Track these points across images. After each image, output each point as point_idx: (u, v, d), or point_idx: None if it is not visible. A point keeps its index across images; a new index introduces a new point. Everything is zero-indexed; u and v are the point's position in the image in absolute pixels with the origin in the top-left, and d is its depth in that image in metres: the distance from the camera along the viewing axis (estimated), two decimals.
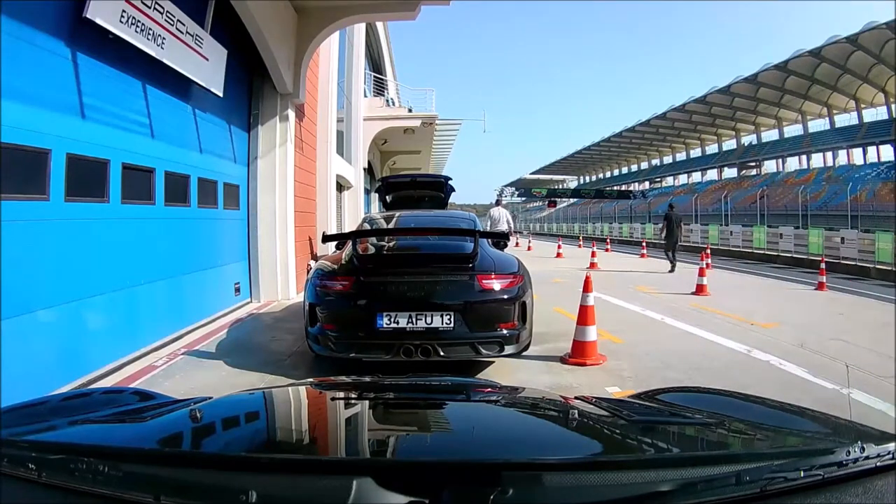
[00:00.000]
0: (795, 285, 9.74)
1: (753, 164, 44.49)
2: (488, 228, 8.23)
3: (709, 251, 12.32)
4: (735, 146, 46.78)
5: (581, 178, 74.43)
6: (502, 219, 10.05)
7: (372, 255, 4.20)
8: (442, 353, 3.54)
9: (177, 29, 4.56)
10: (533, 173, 76.18)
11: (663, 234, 11.80)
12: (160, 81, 4.65)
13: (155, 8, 4.20)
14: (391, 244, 4.54)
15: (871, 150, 34.52)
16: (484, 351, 3.66)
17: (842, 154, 36.88)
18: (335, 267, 3.98)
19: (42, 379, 3.17)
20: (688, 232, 22.78)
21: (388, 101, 15.49)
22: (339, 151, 11.25)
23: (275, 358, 4.37)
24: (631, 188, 53.42)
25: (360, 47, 13.31)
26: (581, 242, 22.52)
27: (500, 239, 4.85)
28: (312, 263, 7.03)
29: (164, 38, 4.35)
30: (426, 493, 0.63)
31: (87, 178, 3.73)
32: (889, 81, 30.47)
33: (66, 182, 3.44)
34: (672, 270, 11.00)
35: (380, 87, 16.11)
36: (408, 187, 7.77)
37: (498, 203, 11.16)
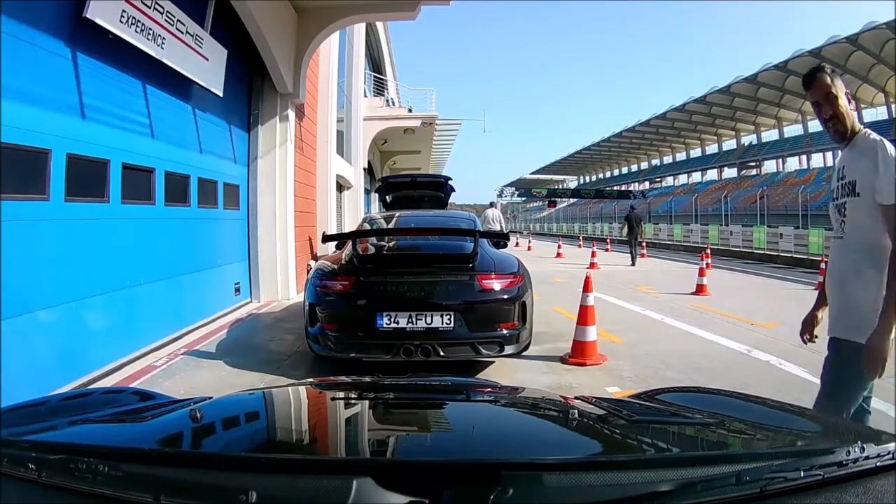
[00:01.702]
0: (795, 285, 9.74)
1: (753, 164, 44.46)
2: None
3: (709, 251, 12.32)
4: (735, 146, 46.74)
5: (581, 178, 74.38)
6: (495, 220, 10.35)
7: (372, 255, 4.20)
8: (442, 353, 3.54)
9: (177, 29, 4.56)
10: (533, 173, 76.13)
11: (624, 232, 13.64)
12: (160, 81, 4.65)
13: (155, 8, 4.20)
14: (391, 244, 4.54)
15: None
16: (484, 351, 3.66)
17: None
18: (335, 267, 3.97)
19: (42, 379, 3.17)
20: (687, 232, 22.86)
21: (388, 101, 15.49)
22: (339, 151, 11.25)
23: (275, 358, 4.37)
24: (631, 188, 53.39)
25: (360, 47, 13.31)
26: (581, 242, 22.51)
27: (500, 239, 4.86)
28: (312, 263, 7.03)
29: (164, 38, 4.35)
30: (426, 493, 0.63)
31: (87, 178, 3.73)
32: (889, 81, 30.46)
33: (66, 182, 3.44)
34: (633, 264, 12.43)
35: (380, 87, 16.12)
36: (408, 187, 7.77)
37: (492, 205, 11.71)
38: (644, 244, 17.19)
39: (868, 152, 1.67)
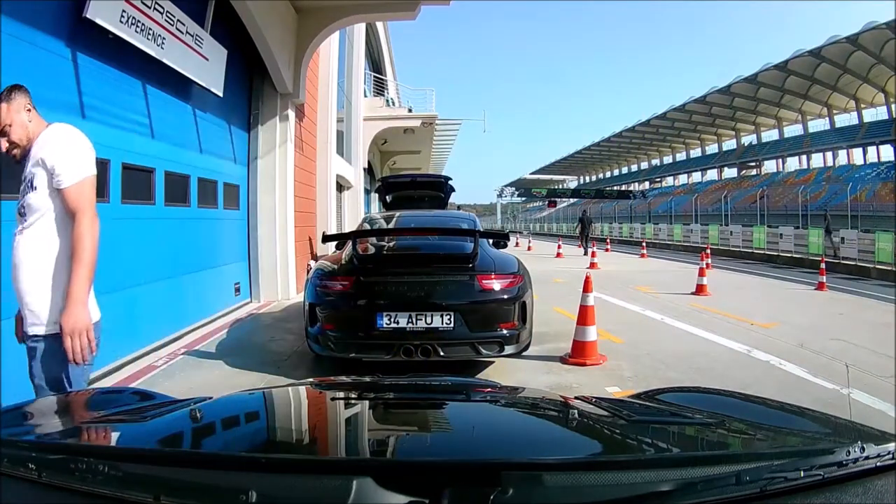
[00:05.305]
0: (795, 285, 9.74)
1: (753, 164, 44.47)
2: None
3: (709, 251, 12.33)
4: (735, 146, 46.76)
5: (581, 178, 74.38)
6: None
7: (372, 255, 4.20)
8: (442, 353, 3.54)
9: (177, 29, 4.56)
10: (533, 173, 76.16)
11: (577, 230, 18.38)
12: (160, 81, 4.65)
13: (155, 8, 4.20)
14: (391, 244, 4.54)
15: (871, 150, 34.50)
16: (484, 351, 3.66)
17: (842, 154, 36.86)
18: (335, 267, 3.97)
19: None
20: (687, 232, 22.89)
21: (388, 101, 15.49)
22: (339, 151, 11.25)
23: (275, 358, 4.37)
24: (631, 188, 53.40)
25: (360, 47, 13.31)
26: (581, 242, 22.46)
27: (501, 239, 4.86)
28: (312, 263, 7.03)
29: (164, 38, 4.35)
30: (426, 493, 0.63)
31: None
32: (889, 81, 30.48)
33: None
34: (585, 254, 14.83)
35: (380, 87, 16.11)
36: (408, 187, 7.77)
37: (459, 209, 12.88)
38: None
39: (43, 145, 1.71)
